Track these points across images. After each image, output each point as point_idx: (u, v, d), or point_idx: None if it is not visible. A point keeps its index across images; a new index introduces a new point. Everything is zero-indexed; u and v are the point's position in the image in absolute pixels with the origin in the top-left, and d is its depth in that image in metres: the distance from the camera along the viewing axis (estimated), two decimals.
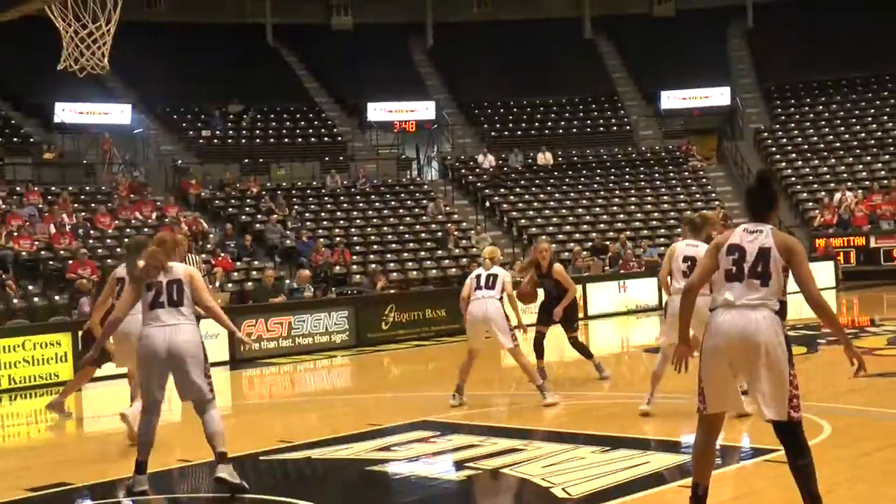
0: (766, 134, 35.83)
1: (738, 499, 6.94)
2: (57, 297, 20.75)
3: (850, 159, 33.72)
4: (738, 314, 5.70)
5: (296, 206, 28.74)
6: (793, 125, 36.29)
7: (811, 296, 5.80)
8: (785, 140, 35.54)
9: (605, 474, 7.66)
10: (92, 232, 24.38)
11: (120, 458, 9.15)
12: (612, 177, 33.76)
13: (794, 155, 34.72)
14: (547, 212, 31.44)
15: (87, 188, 27.61)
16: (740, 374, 5.80)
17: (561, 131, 36.64)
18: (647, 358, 16.12)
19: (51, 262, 22.26)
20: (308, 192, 30.37)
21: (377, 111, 35.37)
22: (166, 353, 7.63)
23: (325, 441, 9.66)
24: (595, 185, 33.21)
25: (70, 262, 21.69)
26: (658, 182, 33.67)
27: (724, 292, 5.80)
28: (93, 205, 26.07)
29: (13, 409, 14.53)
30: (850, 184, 31.41)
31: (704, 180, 34.07)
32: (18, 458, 10.22)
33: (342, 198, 30.27)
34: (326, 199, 30.11)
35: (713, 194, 33.22)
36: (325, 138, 34.36)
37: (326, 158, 32.50)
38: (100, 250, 23.60)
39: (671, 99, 37.12)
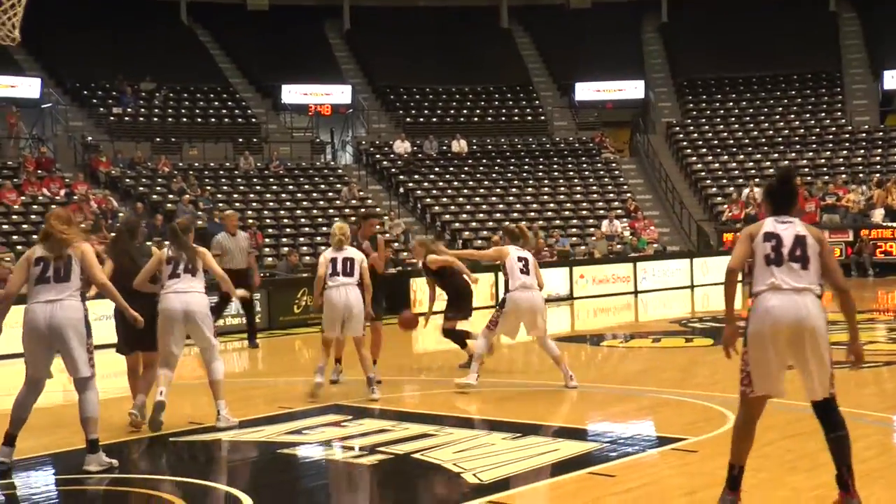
0: (677, 128, 36.40)
1: (644, 486, 7.08)
2: None
3: (758, 155, 34.43)
4: (788, 299, 5.92)
5: (208, 187, 28.44)
6: (703, 120, 36.93)
7: (839, 284, 6.12)
8: (696, 135, 36.15)
9: (516, 461, 7.76)
10: None
11: (21, 435, 9.00)
12: (527, 166, 34.01)
13: (704, 150, 35.33)
14: (461, 199, 31.57)
15: None
16: (787, 357, 5.98)
17: (476, 119, 36.79)
18: (558, 346, 16.32)
19: None
20: (221, 172, 30.08)
21: (292, 94, 35.14)
22: (47, 328, 7.67)
23: (237, 423, 9.62)
24: (509, 175, 33.42)
25: None
26: (571, 173, 34.00)
27: (768, 277, 6.01)
28: None
29: None
30: (757, 179, 32.05)
31: (617, 172, 34.50)
32: None
33: (255, 180, 30.04)
34: (239, 180, 29.86)
35: (625, 186, 33.66)
36: (239, 119, 34.05)
37: (240, 140, 32.22)
38: (5, 226, 23.13)
39: (585, 91, 37.50)
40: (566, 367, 11.22)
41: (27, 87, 31.15)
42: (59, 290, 7.72)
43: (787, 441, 8.04)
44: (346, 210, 28.52)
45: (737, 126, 36.37)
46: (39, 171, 26.39)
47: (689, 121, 36.92)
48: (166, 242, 10.25)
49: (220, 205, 27.23)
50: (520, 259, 11.19)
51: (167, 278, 9.31)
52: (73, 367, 7.82)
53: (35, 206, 24.54)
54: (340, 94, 35.73)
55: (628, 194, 32.81)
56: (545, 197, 32.35)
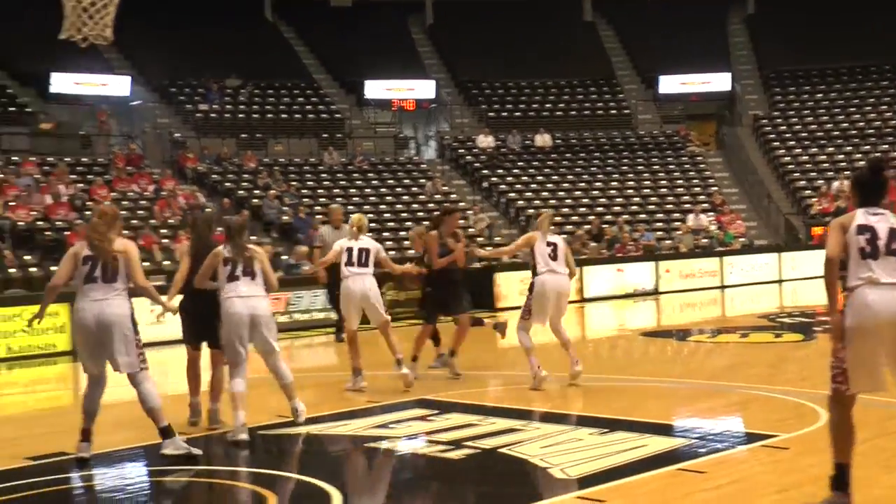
0: (764, 120, 35.79)
1: (734, 483, 6.97)
2: (53, 268, 20.69)
3: (849, 148, 33.72)
4: (887, 293, 5.82)
5: (293, 182, 28.69)
6: (791, 112, 36.26)
7: None
8: (783, 127, 35.52)
9: (603, 456, 7.69)
10: (89, 203, 24.32)
11: (116, 429, 9.16)
12: (610, 160, 33.73)
13: (792, 142, 34.70)
14: (544, 194, 31.42)
15: (84, 159, 27.52)
16: (883, 352, 5.86)
17: (560, 113, 36.57)
18: (644, 341, 16.19)
19: (47, 233, 22.22)
20: (305, 168, 30.32)
21: (375, 89, 35.26)
22: (96, 326, 7.91)
23: (324, 417, 9.69)
24: (593, 169, 33.18)
25: (66, 232, 21.65)
26: (656, 166, 33.65)
27: (864, 271, 5.91)
28: (89, 176, 25.99)
29: (11, 378, 14.55)
30: (847, 172, 31.39)
31: (702, 165, 34.05)
32: (16, 426, 10.23)
33: (339, 175, 30.22)
34: (324, 175, 30.06)
35: (711, 180, 33.21)
36: (323, 115, 34.27)
37: (324, 135, 32.43)
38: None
39: (670, 83, 37.03)
40: (574, 352, 11.23)
41: (117, 85, 31.71)
42: (105, 289, 7.97)
43: (881, 440, 7.86)
44: (430, 205, 28.54)
45: (826, 118, 35.67)
46: (129, 168, 26.85)
47: (777, 113, 36.28)
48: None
49: (305, 200, 27.47)
50: (549, 244, 11.21)
51: (226, 280, 8.87)
52: (116, 364, 8.04)
53: (125, 202, 24.96)
54: (424, 88, 35.77)
55: (714, 188, 32.37)
56: (629, 191, 32.07)
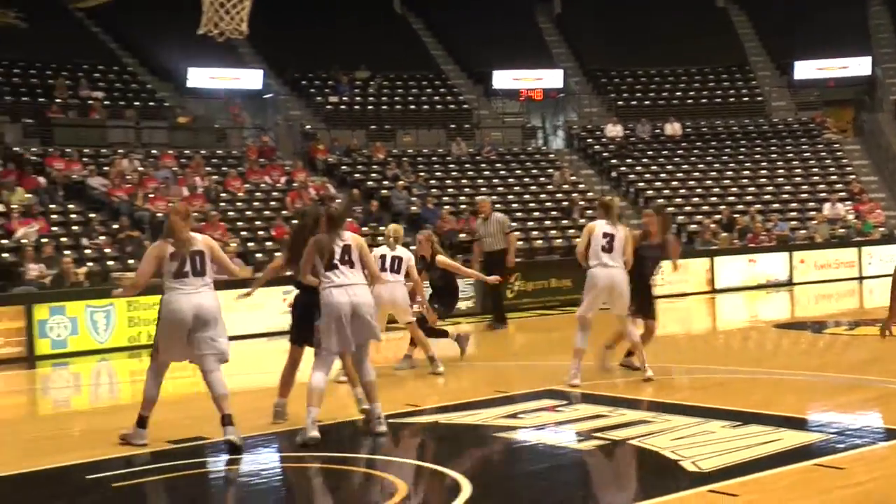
0: None
1: (874, 480, 6.77)
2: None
3: None
4: None
5: (421, 173, 28.88)
6: None
7: None
8: None
9: (736, 450, 7.55)
10: (223, 195, 24.90)
11: (254, 416, 9.34)
12: (743, 149, 33.04)
13: None
14: (674, 183, 30.96)
15: (219, 152, 28.18)
16: None
17: (690, 101, 35.96)
18: (777, 333, 15.83)
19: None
20: (434, 158, 30.48)
21: (503, 79, 35.22)
22: (193, 318, 8.34)
23: (452, 406, 9.73)
24: (724, 157, 32.55)
25: (202, 223, 22.19)
26: (790, 155, 32.82)
27: None
28: (224, 168, 26.60)
29: None
30: None
31: (840, 153, 33.09)
32: (159, 411, 10.52)
33: (467, 165, 30.30)
34: (452, 166, 30.18)
35: (848, 168, 32.26)
36: (451, 106, 34.38)
37: (452, 126, 32.54)
38: (230, 213, 24.09)
39: (805, 69, 36.08)
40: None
41: (250, 79, 32.40)
42: (197, 283, 8.42)
43: None
44: (558, 195, 28.40)
45: None
46: (261, 160, 27.37)
47: None
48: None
49: (433, 190, 27.61)
50: (605, 235, 10.92)
51: (324, 270, 8.61)
52: (218, 351, 8.39)
53: (258, 194, 25.47)
54: (552, 78, 35.58)
55: (852, 176, 31.43)
56: (762, 180, 31.36)
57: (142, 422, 8.59)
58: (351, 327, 8.45)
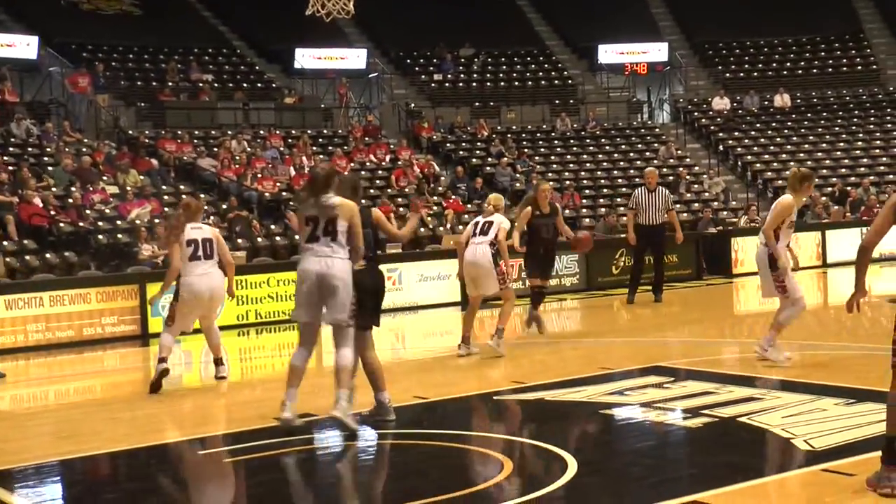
0: None
1: None
2: (297, 237, 21.54)
3: None
4: None
5: (525, 150, 28.78)
6: None
7: None
8: None
9: (850, 427, 7.38)
10: None
11: (360, 391, 9.45)
12: (856, 119, 32.20)
13: None
14: (784, 156, 30.32)
15: (325, 131, 28.48)
16: None
17: (800, 72, 35.15)
18: (892, 308, 15.41)
19: (292, 203, 23.11)
20: (538, 135, 30.35)
21: (608, 53, 34.86)
22: (209, 295, 10.47)
23: (558, 383, 9.70)
24: (836, 129, 31.76)
25: None
26: None
27: None
28: (330, 147, 26.89)
29: (259, 342, 15.27)
30: None
31: None
32: (264, 388, 10.73)
33: (572, 141, 30.10)
34: (556, 142, 30.01)
35: None
36: (556, 81, 34.17)
37: (556, 101, 32.34)
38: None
39: None
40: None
41: (355, 58, 32.65)
42: (210, 264, 10.53)
43: None
44: (664, 169, 28.07)
45: None
46: (367, 139, 27.59)
47: None
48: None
49: (538, 167, 27.50)
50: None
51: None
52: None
53: (363, 172, 25.69)
54: (657, 51, 35.10)
55: None
56: (876, 150, 30.53)
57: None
58: (320, 300, 7.94)
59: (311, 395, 9.08)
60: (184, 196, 22.31)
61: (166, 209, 21.36)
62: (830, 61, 35.49)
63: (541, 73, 34.33)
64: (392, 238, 11.29)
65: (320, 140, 27.50)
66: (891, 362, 5.83)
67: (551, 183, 26.00)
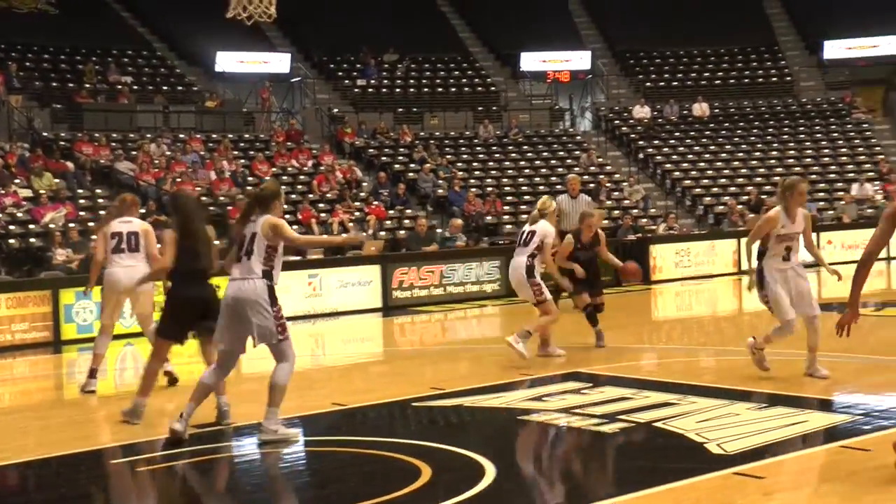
0: None
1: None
2: (217, 242, 21.28)
3: None
4: None
5: (448, 156, 28.86)
6: None
7: None
8: None
9: (762, 431, 7.52)
10: (250, 179, 24.97)
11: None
12: (771, 129, 32.82)
13: None
14: (702, 164, 30.80)
15: (246, 136, 28.25)
16: None
17: (718, 82, 35.74)
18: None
19: (211, 208, 22.89)
20: (461, 141, 30.44)
21: (531, 61, 35.10)
22: (128, 288, 10.27)
23: (476, 389, 9.73)
24: (752, 138, 32.33)
25: (229, 207, 22.28)
26: (819, 135, 32.58)
27: None
28: (251, 152, 26.66)
29: (175, 349, 15.04)
30: None
31: (868, 133, 32.81)
32: (182, 396, 10.60)
33: (494, 147, 30.24)
34: (479, 148, 30.13)
35: (877, 147, 31.98)
36: (479, 88, 34.31)
37: (479, 108, 32.47)
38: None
39: (835, 49, 35.73)
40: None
41: (278, 62, 32.44)
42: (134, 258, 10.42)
43: None
44: (586, 177, 28.32)
45: None
46: (289, 143, 27.43)
47: None
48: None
49: (460, 173, 27.58)
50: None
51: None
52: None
53: (285, 177, 25.53)
54: (579, 59, 35.43)
55: (881, 156, 31.14)
56: (790, 160, 31.13)
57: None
58: (230, 324, 7.75)
59: (232, 403, 9.00)
60: (100, 200, 22.06)
61: (81, 213, 21.03)
62: (747, 72, 36.14)
63: (464, 80, 34.46)
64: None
65: (242, 144, 27.27)
66: None
67: (473, 190, 26.26)
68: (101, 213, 21.58)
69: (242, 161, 25.76)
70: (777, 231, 9.43)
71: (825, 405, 8.54)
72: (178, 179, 23.26)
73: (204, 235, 8.86)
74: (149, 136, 25.71)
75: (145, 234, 10.48)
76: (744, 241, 22.38)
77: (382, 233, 23.01)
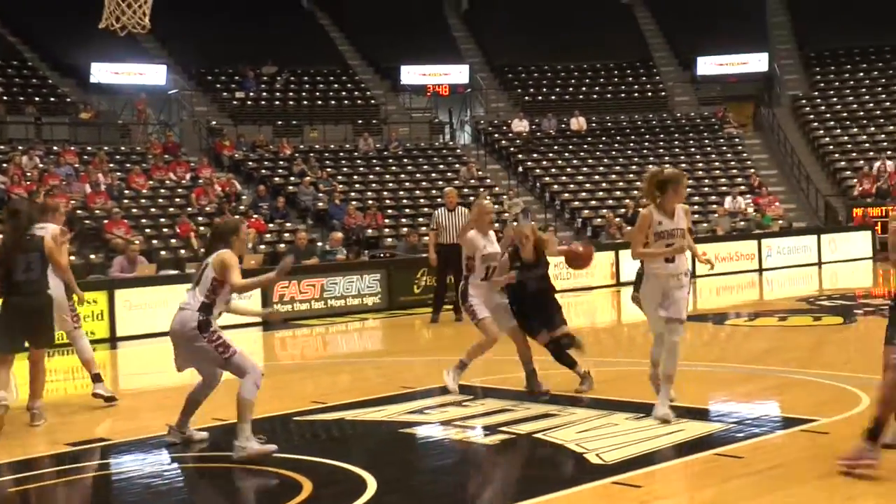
0: (804, 101, 35.44)
1: (774, 468, 6.90)
2: (93, 256, 20.91)
3: (891, 128, 33.29)
4: None
5: (328, 169, 28.75)
6: (832, 92, 35.85)
7: None
8: (823, 107, 35.14)
9: (640, 441, 7.65)
10: (126, 192, 24.51)
11: (152, 414, 9.21)
12: (647, 143, 33.54)
13: (832, 123, 34.33)
14: (580, 178, 31.30)
15: (122, 148, 27.73)
16: None
17: (595, 96, 36.41)
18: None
19: (86, 221, 22.40)
20: (341, 154, 30.37)
21: (410, 74, 35.25)
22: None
23: (358, 403, 9.69)
24: (629, 152, 33.00)
25: (105, 221, 21.82)
26: (693, 149, 33.42)
27: None
28: (127, 165, 26.18)
29: (51, 365, 14.66)
30: (889, 153, 31.06)
31: (740, 147, 33.78)
32: (56, 413, 10.31)
33: (374, 161, 30.24)
34: (359, 161, 30.10)
35: (748, 161, 32.95)
36: (359, 101, 34.30)
37: (359, 121, 32.46)
38: (134, 210, 23.73)
39: (707, 65, 36.75)
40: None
41: (154, 74, 31.93)
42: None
43: None
44: (465, 190, 28.51)
45: (867, 97, 35.20)
46: (166, 156, 27.02)
47: (817, 93, 35.90)
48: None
49: (340, 186, 27.50)
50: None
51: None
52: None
53: (162, 191, 25.13)
54: (458, 73, 35.71)
55: (752, 170, 32.09)
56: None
57: None
58: (177, 350, 7.94)
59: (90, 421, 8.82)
60: None
61: None
62: (623, 87, 36.88)
63: (344, 93, 34.41)
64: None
65: (118, 157, 26.74)
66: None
67: (354, 203, 26.19)
68: None
69: (119, 174, 25.26)
70: (655, 229, 8.45)
71: (701, 414, 8.72)
72: (52, 192, 22.67)
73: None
74: (20, 147, 25.02)
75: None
76: (622, 253, 22.96)
77: (262, 246, 22.79)
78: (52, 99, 29.29)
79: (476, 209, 10.40)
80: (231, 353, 7.73)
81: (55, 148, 25.89)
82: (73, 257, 20.30)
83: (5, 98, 27.95)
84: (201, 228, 22.87)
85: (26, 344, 9.33)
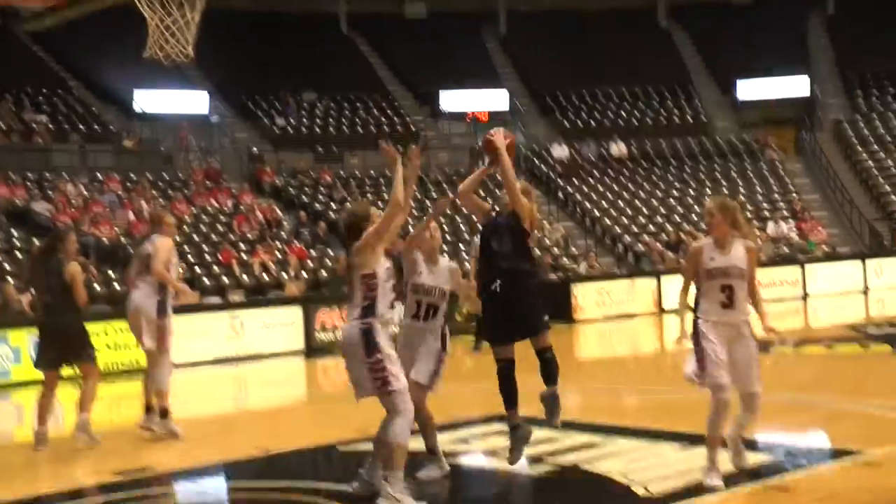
0: (846, 125, 35.16)
1: (821, 500, 6.83)
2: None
3: None
4: None
5: (369, 195, 28.84)
6: (874, 115, 35.55)
7: None
8: (866, 131, 34.83)
9: (686, 472, 7.58)
10: None
11: (200, 445, 9.25)
12: (687, 168, 33.40)
13: (875, 147, 34.04)
14: (621, 203, 31.19)
15: (165, 175, 27.96)
16: None
17: (635, 122, 36.32)
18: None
19: (130, 249, 22.55)
20: (381, 180, 30.45)
21: (450, 100, 35.35)
22: None
23: None
24: (669, 177, 32.87)
25: None
26: (734, 174, 33.23)
27: None
28: (170, 192, 26.40)
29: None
30: None
31: (781, 172, 33.55)
32: (102, 440, 10.37)
33: (415, 187, 30.24)
34: None
35: (790, 186, 32.71)
36: (398, 127, 34.42)
37: (399, 147, 32.41)
38: (176, 237, 23.85)
39: (748, 89, 36.59)
40: None
41: (196, 102, 32.25)
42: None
43: None
44: None
45: None
46: (208, 183, 27.22)
47: (859, 116, 35.62)
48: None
49: (381, 212, 27.51)
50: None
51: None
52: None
53: (204, 217, 25.30)
54: (498, 99, 35.78)
55: (794, 195, 31.87)
56: (707, 199, 31.64)
57: None
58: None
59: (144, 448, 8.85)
60: (16, 241, 21.63)
61: None
62: (663, 112, 36.77)
63: (384, 119, 34.55)
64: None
65: (160, 184, 26.98)
66: None
67: None
68: (18, 254, 21.27)
69: (161, 201, 25.46)
70: (706, 265, 7.43)
71: (748, 444, 8.61)
72: (96, 220, 22.93)
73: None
74: (65, 175, 25.32)
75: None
76: (664, 279, 22.85)
77: (304, 273, 22.87)
78: (95, 127, 29.62)
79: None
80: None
81: (99, 175, 26.16)
82: (116, 284, 20.53)
83: (50, 126, 28.29)
84: (243, 255, 22.99)
85: (63, 364, 9.77)
